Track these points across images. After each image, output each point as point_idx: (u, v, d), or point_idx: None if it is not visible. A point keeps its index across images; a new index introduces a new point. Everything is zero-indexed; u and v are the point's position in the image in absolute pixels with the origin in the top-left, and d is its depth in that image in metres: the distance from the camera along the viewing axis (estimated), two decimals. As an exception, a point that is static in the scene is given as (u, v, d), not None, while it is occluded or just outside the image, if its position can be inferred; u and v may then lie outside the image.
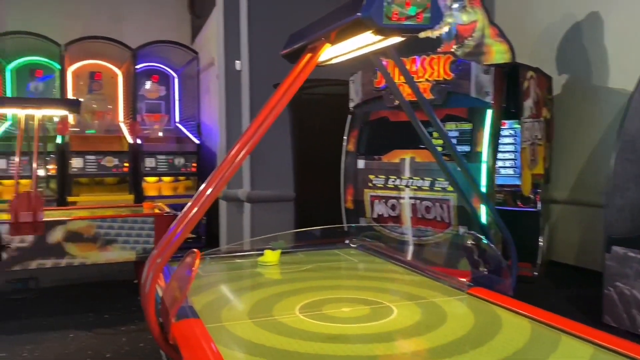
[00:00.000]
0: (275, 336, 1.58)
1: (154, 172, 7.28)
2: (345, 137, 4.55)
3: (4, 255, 4.01)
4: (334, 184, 4.89)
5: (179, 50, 7.67)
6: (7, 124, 6.98)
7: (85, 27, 7.57)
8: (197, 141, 7.50)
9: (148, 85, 7.88)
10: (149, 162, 7.23)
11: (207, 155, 7.84)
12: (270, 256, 2.54)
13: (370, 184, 4.31)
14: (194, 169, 7.43)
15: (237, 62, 5.96)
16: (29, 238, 4.07)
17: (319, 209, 5.73)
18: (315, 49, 1.75)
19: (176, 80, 8.07)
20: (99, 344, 3.59)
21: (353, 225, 4.24)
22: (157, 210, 4.92)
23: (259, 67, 5.84)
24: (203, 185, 1.65)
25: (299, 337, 1.58)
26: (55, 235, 4.16)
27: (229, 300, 2.11)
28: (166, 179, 7.43)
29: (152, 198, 6.64)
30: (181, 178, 7.53)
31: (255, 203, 5.75)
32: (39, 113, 4.32)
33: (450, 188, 3.80)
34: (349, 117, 4.57)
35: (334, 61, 1.99)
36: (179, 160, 7.39)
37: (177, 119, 8.03)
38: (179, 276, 1.64)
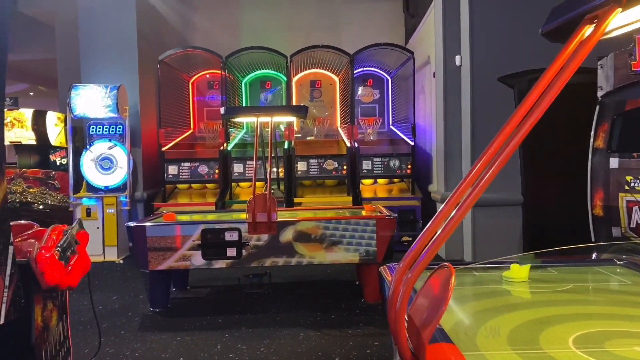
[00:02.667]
0: (553, 377, 1.27)
1: (370, 174, 7.37)
2: (592, 132, 3.91)
3: (243, 252, 4.36)
4: (573, 186, 4.27)
5: (393, 52, 7.61)
6: (242, 132, 7.76)
7: (306, 38, 8.04)
8: (411, 142, 7.35)
9: (362, 89, 8.03)
10: (366, 165, 7.34)
11: (422, 157, 7.64)
12: (518, 271, 2.20)
13: (626, 187, 3.62)
14: (409, 171, 7.31)
15: (457, 57, 5.65)
16: (264, 237, 4.36)
17: (553, 215, 5.10)
18: (599, 17, 1.39)
19: (390, 83, 8.07)
20: (328, 345, 3.63)
21: (615, 242, 3.58)
22: (378, 213, 4.87)
23: (481, 61, 5.44)
24: (451, 195, 1.45)
25: (586, 382, 1.25)
26: (287, 235, 4.38)
27: (480, 322, 1.84)
28: (381, 181, 7.48)
29: (368, 200, 6.69)
30: (395, 180, 7.50)
31: (478, 207, 5.35)
32: (271, 120, 4.60)
33: None
34: (597, 107, 3.91)
35: (616, 33, 1.59)
36: (394, 162, 7.35)
37: (391, 121, 8.02)
38: (430, 293, 1.44)
